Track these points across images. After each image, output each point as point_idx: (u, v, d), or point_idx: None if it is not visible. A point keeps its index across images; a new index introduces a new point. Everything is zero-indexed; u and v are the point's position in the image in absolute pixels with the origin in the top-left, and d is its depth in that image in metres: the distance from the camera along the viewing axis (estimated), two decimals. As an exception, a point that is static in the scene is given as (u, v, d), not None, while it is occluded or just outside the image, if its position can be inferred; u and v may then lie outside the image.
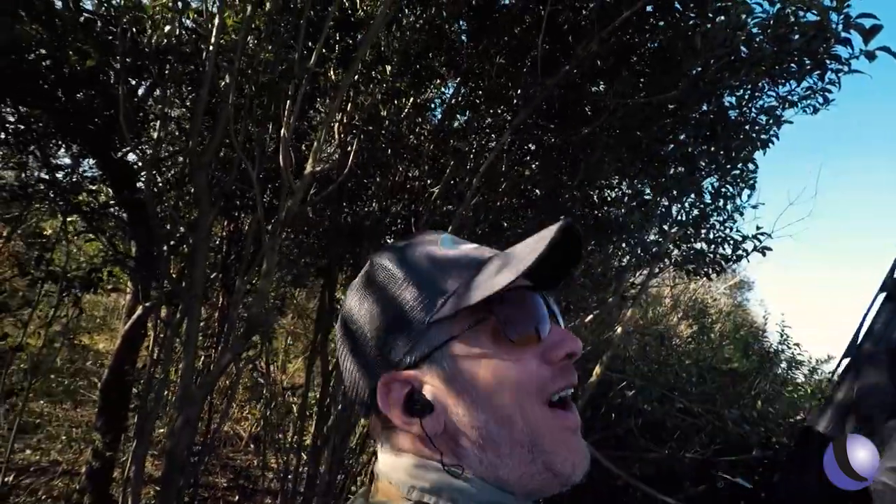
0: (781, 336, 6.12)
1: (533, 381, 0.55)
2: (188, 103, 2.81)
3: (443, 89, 3.33)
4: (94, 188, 3.35)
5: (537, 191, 3.12)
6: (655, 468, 2.95)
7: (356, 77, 2.39)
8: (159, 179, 3.12)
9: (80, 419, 5.74)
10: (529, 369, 0.55)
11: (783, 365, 6.33)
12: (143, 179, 3.41)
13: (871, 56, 2.26)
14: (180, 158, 3.33)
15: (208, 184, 2.07)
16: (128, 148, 2.98)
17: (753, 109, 2.97)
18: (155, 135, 2.63)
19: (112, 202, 3.33)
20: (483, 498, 0.55)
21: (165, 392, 2.77)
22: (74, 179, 3.23)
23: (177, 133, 3.16)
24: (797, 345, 6.25)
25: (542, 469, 0.55)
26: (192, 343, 2.01)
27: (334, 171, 2.16)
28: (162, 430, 4.64)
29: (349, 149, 2.52)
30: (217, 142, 2.02)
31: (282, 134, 1.82)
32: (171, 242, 2.81)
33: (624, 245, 3.52)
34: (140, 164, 3.14)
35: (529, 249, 0.55)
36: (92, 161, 3.20)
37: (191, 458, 2.21)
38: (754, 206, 3.74)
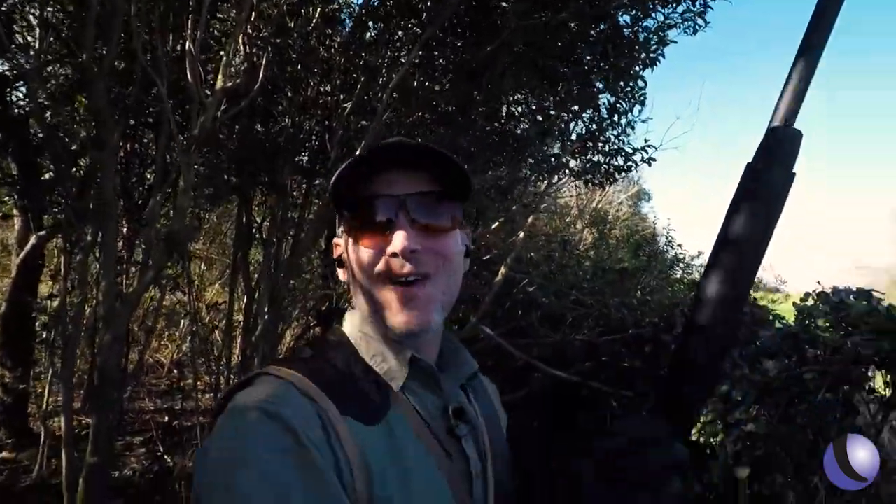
0: (667, 239, 6.89)
1: (373, 265, 0.74)
2: (70, 8, 2.58)
3: (350, -2, 3.26)
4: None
5: (449, 107, 3.24)
6: (552, 350, 3.43)
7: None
8: (42, 93, 2.89)
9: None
10: (370, 257, 0.74)
11: (667, 262, 7.18)
12: (22, 93, 3.13)
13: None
14: (65, 71, 3.08)
15: (108, 98, 2.01)
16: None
17: (642, 30, 3.21)
18: (36, 45, 2.42)
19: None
20: (366, 330, 0.80)
21: (83, 318, 2.76)
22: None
23: (57, 44, 2.90)
24: (679, 245, 7.07)
25: (380, 320, 0.76)
26: (111, 262, 2.05)
27: (243, 87, 2.15)
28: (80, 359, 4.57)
29: (257, 61, 2.48)
30: (113, 54, 1.95)
31: (188, 47, 1.79)
32: (62, 164, 2.67)
33: (530, 159, 3.77)
34: (15, 75, 2.88)
35: (360, 158, 0.74)
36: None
37: (122, 375, 2.29)
38: (644, 121, 4.09)
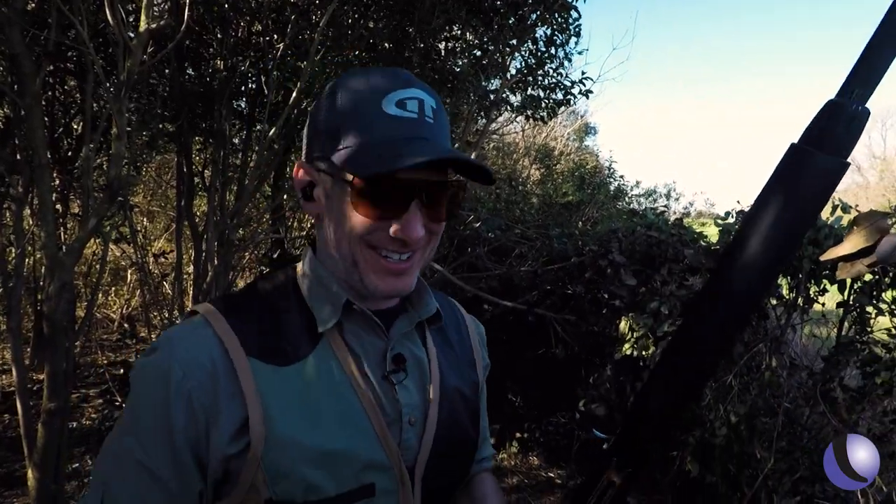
0: (609, 170, 7.15)
1: (369, 234, 0.71)
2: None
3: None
4: None
5: (385, 44, 3.22)
6: (498, 281, 3.63)
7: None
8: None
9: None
10: (368, 227, 0.71)
11: (611, 194, 7.48)
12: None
13: None
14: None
15: (25, 43, 1.93)
16: None
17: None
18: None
19: None
20: (319, 273, 0.79)
21: (23, 270, 2.72)
22: None
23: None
24: (622, 176, 7.36)
25: (356, 277, 0.75)
26: (49, 211, 2.03)
27: (169, 29, 2.09)
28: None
29: (182, 1, 2.39)
30: (23, -5, 1.86)
31: (104, -14, 1.73)
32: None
33: (472, 96, 3.82)
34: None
35: (410, 156, 0.66)
36: None
37: (72, 326, 2.32)
38: (580, 53, 4.16)
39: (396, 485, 0.76)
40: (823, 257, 1.52)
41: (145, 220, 6.97)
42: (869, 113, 0.54)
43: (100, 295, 6.05)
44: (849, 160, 0.55)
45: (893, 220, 2.13)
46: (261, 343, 0.72)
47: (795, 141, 0.58)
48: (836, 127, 0.54)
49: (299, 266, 0.83)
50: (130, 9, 2.58)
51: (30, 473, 2.23)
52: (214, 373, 0.68)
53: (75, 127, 3.85)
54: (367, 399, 0.75)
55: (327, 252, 0.78)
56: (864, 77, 0.53)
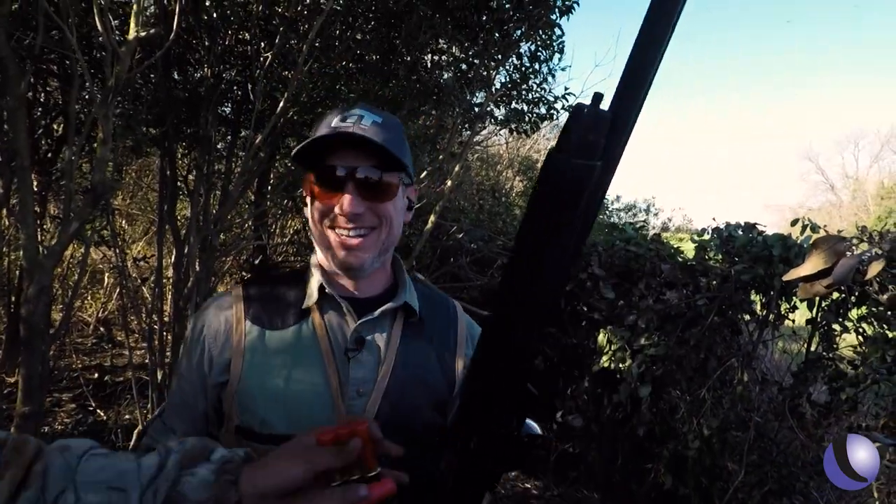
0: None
1: (325, 216, 0.94)
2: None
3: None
4: None
5: (373, 56, 3.26)
6: (480, 292, 3.67)
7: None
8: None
9: None
10: (324, 211, 0.94)
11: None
12: None
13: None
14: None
15: (10, 45, 1.92)
16: None
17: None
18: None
19: None
20: (311, 262, 1.04)
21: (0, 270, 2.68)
22: None
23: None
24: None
25: (328, 254, 0.97)
26: (30, 213, 2.02)
27: (156, 35, 2.10)
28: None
29: (170, 8, 2.40)
30: (10, -3, 1.86)
31: (94, -7, 1.74)
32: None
33: (456, 108, 3.87)
34: None
35: (331, 136, 0.91)
36: None
37: (48, 329, 2.29)
38: (563, 69, 4.25)
39: None
40: (786, 277, 1.58)
41: (124, 222, 6.88)
42: (608, 117, 0.54)
43: (77, 298, 5.94)
44: (597, 162, 0.54)
45: (855, 241, 2.22)
46: (260, 311, 0.98)
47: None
48: (578, 129, 0.54)
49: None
50: (119, 14, 2.59)
51: None
52: (220, 329, 0.97)
53: (55, 128, 3.81)
54: (331, 368, 0.93)
55: (315, 241, 1.00)
56: (617, 87, 0.55)
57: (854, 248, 1.85)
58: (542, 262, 0.57)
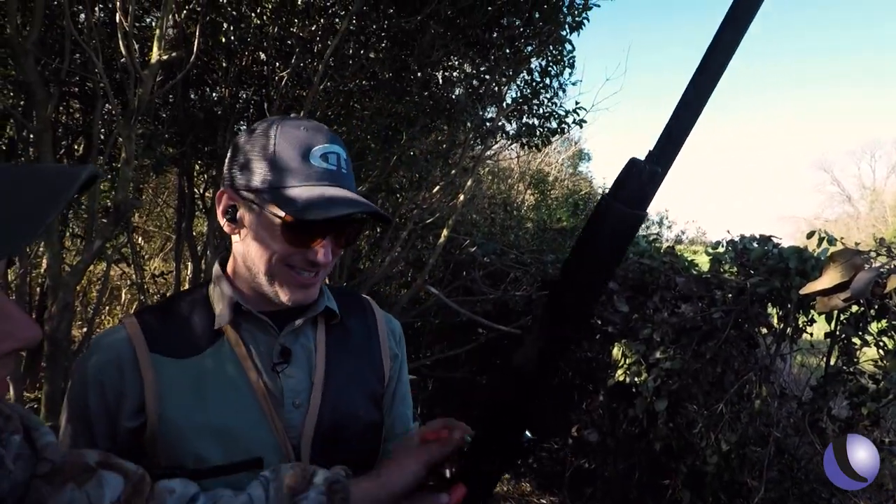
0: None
1: (288, 256, 0.87)
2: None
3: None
4: None
5: (386, 74, 3.31)
6: (493, 306, 3.67)
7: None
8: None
9: None
10: (288, 251, 0.86)
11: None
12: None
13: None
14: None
15: (38, 70, 1.99)
16: None
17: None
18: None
19: None
20: (219, 282, 0.94)
21: (26, 290, 2.74)
22: None
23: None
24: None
25: (270, 289, 0.89)
26: (54, 232, 2.07)
27: (177, 59, 2.16)
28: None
29: (189, 32, 2.48)
30: (38, 23, 1.93)
31: (118, 19, 1.80)
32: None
33: (468, 123, 3.91)
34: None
35: (335, 208, 0.83)
36: None
37: (70, 345, 2.34)
38: (574, 83, 4.27)
39: (284, 459, 0.87)
40: (803, 291, 1.57)
41: (141, 239, 6.99)
42: (661, 174, 0.62)
43: (97, 315, 6.02)
44: (645, 212, 0.63)
45: (873, 253, 2.19)
46: (165, 340, 0.89)
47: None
48: (632, 182, 0.62)
49: (214, 273, 0.98)
50: (141, 36, 2.66)
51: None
52: (121, 366, 0.87)
53: (77, 148, 3.91)
54: (258, 385, 0.89)
55: (240, 265, 0.93)
56: (662, 147, 0.62)
57: (872, 260, 1.83)
58: (594, 292, 0.67)
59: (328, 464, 0.84)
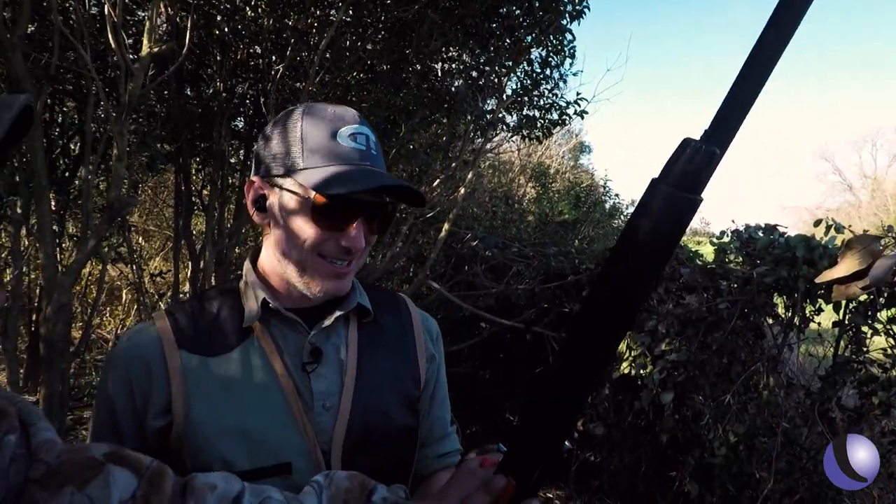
0: (604, 189, 7.20)
1: (320, 243, 0.84)
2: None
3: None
4: None
5: (383, 66, 3.26)
6: (496, 300, 3.63)
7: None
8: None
9: None
10: (320, 237, 0.83)
11: (606, 212, 7.53)
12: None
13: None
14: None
15: (27, 67, 1.95)
16: None
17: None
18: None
19: None
20: (250, 278, 0.91)
21: (21, 291, 2.71)
22: None
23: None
24: (617, 195, 7.41)
25: (301, 281, 0.86)
26: (48, 232, 2.03)
27: (169, 51, 2.11)
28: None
29: (182, 25, 2.42)
30: (26, 17, 1.88)
31: (107, 11, 1.76)
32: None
33: (468, 116, 3.86)
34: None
35: (364, 182, 0.80)
36: None
37: (68, 347, 2.30)
38: (574, 74, 4.23)
39: (314, 465, 0.84)
40: (819, 279, 1.53)
41: (141, 238, 6.96)
42: (719, 155, 0.57)
43: (96, 315, 6.00)
44: (701, 197, 0.57)
45: (885, 242, 2.15)
46: (194, 337, 0.86)
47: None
48: (688, 165, 0.56)
49: (245, 269, 0.95)
50: (132, 32, 2.62)
51: (21, 498, 2.19)
52: (148, 363, 0.84)
53: (72, 148, 3.86)
54: (288, 386, 0.85)
55: (271, 259, 0.90)
56: (719, 125, 0.56)
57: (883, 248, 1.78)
58: (644, 288, 0.62)
59: (358, 469, 0.80)
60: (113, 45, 1.73)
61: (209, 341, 0.86)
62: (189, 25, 2.00)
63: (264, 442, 0.82)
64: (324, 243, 0.84)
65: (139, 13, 2.65)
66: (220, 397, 0.83)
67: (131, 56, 2.02)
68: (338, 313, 0.91)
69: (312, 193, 0.81)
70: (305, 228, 0.83)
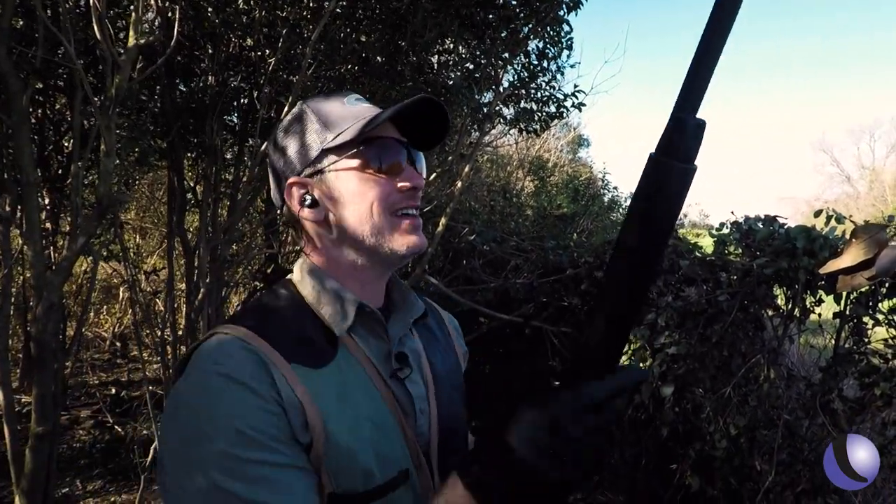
0: (602, 182, 7.17)
1: (388, 196, 0.82)
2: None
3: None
4: None
5: (378, 58, 3.22)
6: (494, 294, 3.60)
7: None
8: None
9: None
10: (382, 189, 0.82)
11: (605, 205, 7.49)
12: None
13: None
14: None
15: (11, 61, 1.90)
16: None
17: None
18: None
19: None
20: (324, 280, 0.85)
21: (11, 290, 2.67)
22: None
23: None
24: (615, 188, 7.38)
25: (385, 247, 0.83)
26: (36, 230, 1.99)
27: (159, 44, 2.07)
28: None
29: (171, 16, 2.38)
30: (10, 10, 1.84)
31: (92, 2, 1.71)
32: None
33: (465, 109, 3.82)
34: None
35: (399, 108, 0.80)
36: None
37: (62, 346, 2.27)
38: (572, 66, 4.18)
39: (423, 471, 0.83)
40: (823, 270, 1.50)
41: (137, 236, 6.91)
42: (705, 123, 0.63)
43: (91, 314, 5.97)
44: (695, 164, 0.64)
45: (889, 231, 2.12)
46: (296, 350, 0.77)
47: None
48: (683, 138, 0.62)
49: (295, 278, 0.88)
50: (120, 25, 2.57)
51: (17, 501, 2.17)
52: (272, 376, 0.72)
53: (66, 145, 3.82)
54: (387, 394, 0.82)
55: (333, 254, 0.85)
56: (689, 93, 0.62)
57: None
58: (656, 260, 0.66)
59: (448, 466, 0.80)
60: (98, 36, 1.69)
61: (308, 353, 0.78)
62: (178, 17, 1.96)
63: (387, 452, 0.80)
64: (389, 196, 0.82)
65: (127, 5, 2.60)
66: (344, 411, 0.77)
67: (119, 49, 1.98)
68: (413, 317, 0.90)
69: (354, 149, 0.81)
70: (366, 191, 0.81)
